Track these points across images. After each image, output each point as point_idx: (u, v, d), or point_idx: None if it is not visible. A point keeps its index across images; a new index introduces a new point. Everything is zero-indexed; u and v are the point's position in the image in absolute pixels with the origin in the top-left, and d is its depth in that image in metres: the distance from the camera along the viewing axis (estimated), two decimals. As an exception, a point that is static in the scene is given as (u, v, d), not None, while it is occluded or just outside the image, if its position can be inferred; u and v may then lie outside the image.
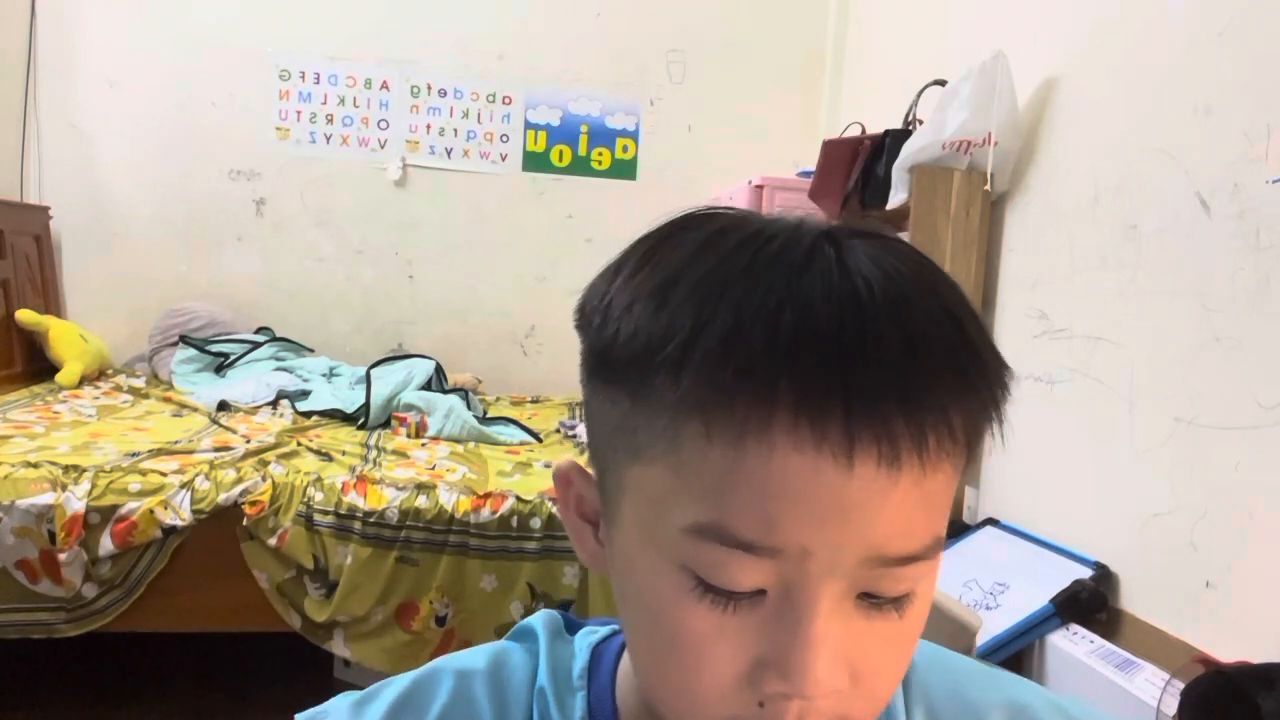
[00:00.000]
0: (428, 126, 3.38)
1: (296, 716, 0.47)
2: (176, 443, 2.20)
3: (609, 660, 0.48)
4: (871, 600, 0.36)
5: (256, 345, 3.05)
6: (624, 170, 3.48)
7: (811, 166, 2.53)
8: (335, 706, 0.48)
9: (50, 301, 3.11)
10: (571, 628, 0.51)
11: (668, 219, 0.40)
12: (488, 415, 2.83)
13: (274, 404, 2.72)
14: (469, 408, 2.75)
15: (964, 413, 0.35)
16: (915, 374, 0.33)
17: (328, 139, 3.33)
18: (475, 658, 0.49)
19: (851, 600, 0.36)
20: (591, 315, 0.39)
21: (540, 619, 0.51)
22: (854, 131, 2.54)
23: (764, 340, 0.33)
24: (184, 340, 3.00)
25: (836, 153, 2.37)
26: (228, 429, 2.42)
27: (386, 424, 2.66)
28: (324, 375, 3.00)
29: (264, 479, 1.95)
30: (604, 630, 0.50)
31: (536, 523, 1.96)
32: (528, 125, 3.43)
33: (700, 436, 0.34)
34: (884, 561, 0.35)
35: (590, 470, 0.43)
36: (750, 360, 0.33)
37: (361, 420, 2.65)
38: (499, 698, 0.47)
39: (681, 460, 0.35)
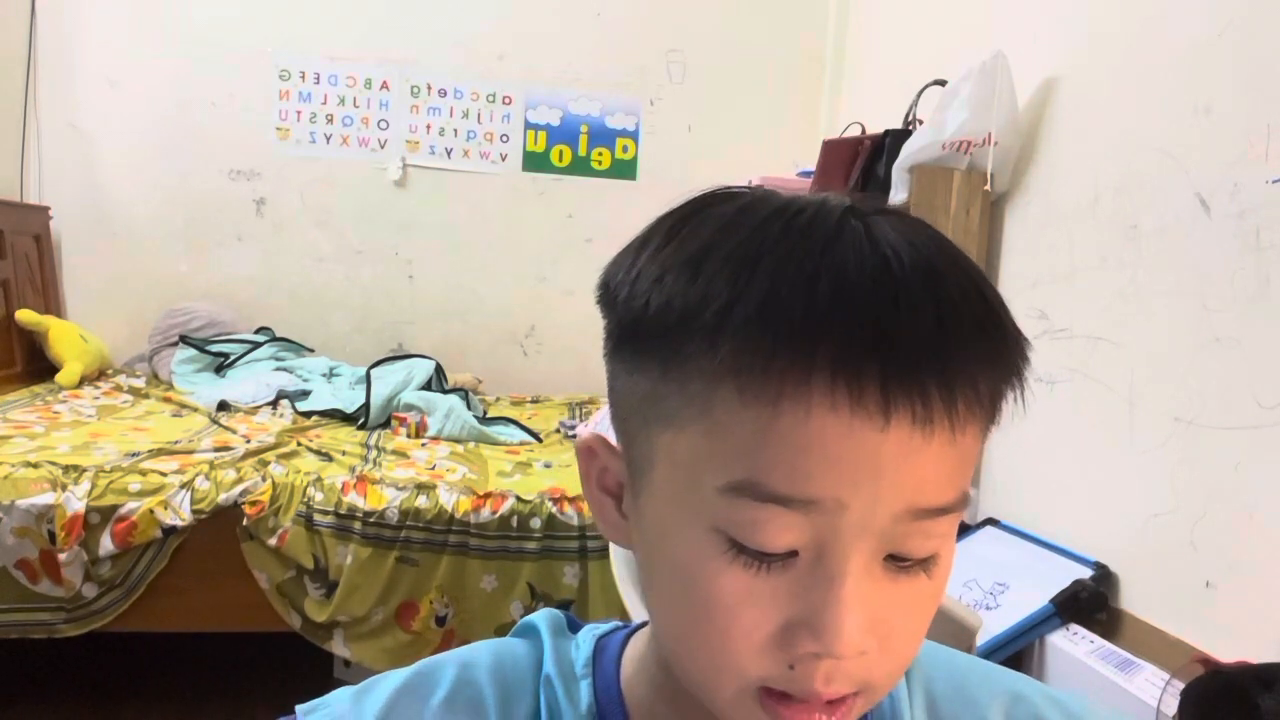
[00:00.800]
0: (428, 126, 3.38)
1: (297, 708, 0.47)
2: (176, 443, 2.20)
3: (613, 651, 0.48)
4: (900, 563, 0.37)
5: (256, 345, 3.05)
6: (624, 170, 3.48)
7: (811, 166, 2.53)
8: (337, 697, 0.48)
9: (50, 301, 3.11)
10: (573, 627, 0.51)
11: (687, 198, 0.41)
12: (488, 415, 2.83)
13: (274, 404, 2.72)
14: (469, 408, 2.75)
15: (990, 377, 0.36)
16: (946, 339, 0.34)
17: (328, 139, 3.33)
18: (478, 650, 0.49)
19: (880, 563, 0.37)
20: (617, 289, 0.40)
21: (542, 616, 0.51)
22: (854, 131, 2.54)
23: (802, 306, 0.34)
24: (184, 340, 3.00)
25: (836, 153, 2.37)
26: (228, 429, 2.42)
27: (386, 424, 2.66)
28: (324, 375, 3.00)
29: (264, 479, 1.95)
30: (606, 626, 0.50)
31: (536, 523, 1.96)
32: (528, 125, 3.43)
33: (734, 399, 0.35)
34: (916, 515, 0.36)
35: (614, 443, 0.44)
36: (789, 326, 0.34)
37: (361, 420, 2.65)
38: (503, 686, 0.47)
39: (715, 423, 0.36)
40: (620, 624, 0.51)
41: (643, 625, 0.48)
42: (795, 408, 0.34)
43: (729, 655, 0.37)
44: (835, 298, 0.34)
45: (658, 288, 0.37)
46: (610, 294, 0.41)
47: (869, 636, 0.36)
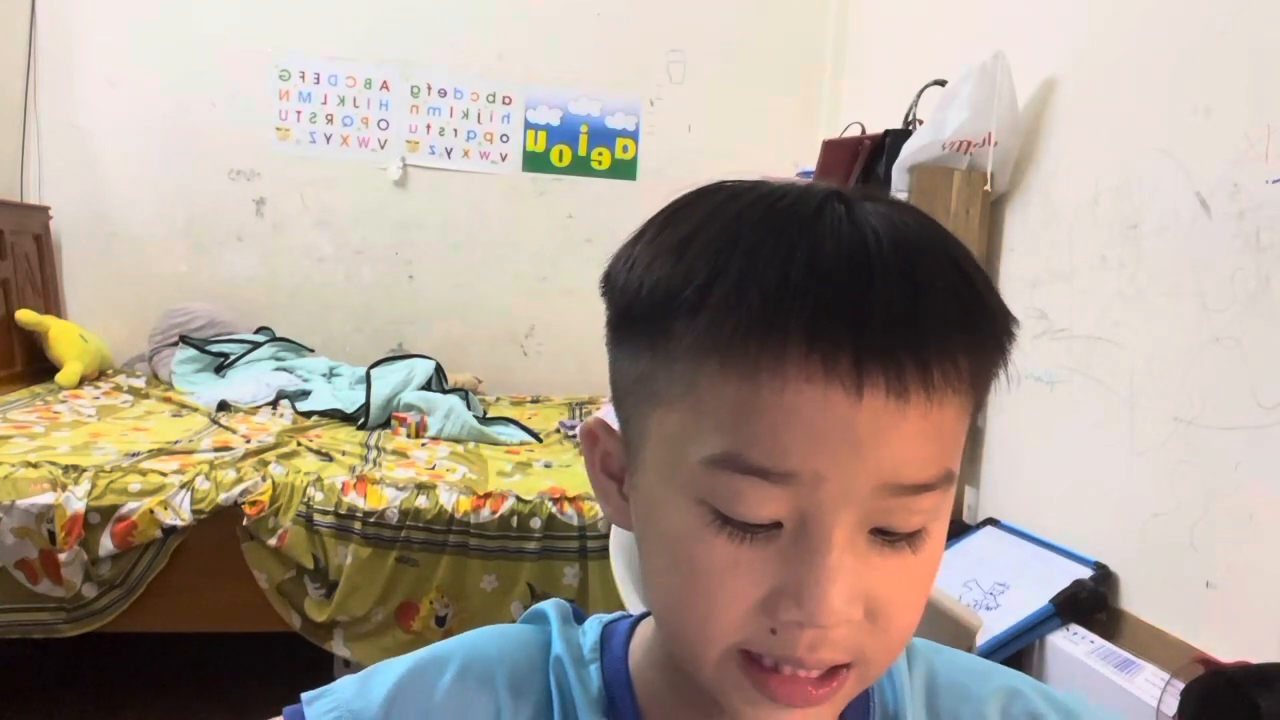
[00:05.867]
0: (428, 126, 3.38)
1: (303, 695, 0.47)
2: (176, 443, 2.20)
3: (620, 637, 0.49)
4: (885, 536, 0.37)
5: (256, 345, 3.05)
6: (624, 170, 3.48)
7: (811, 166, 2.53)
8: (341, 684, 0.48)
9: (50, 301, 3.11)
10: (578, 619, 0.52)
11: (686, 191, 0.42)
12: (488, 415, 2.83)
13: (274, 404, 2.72)
14: (469, 408, 2.75)
15: (969, 352, 0.37)
16: (921, 312, 0.35)
17: (328, 139, 3.33)
18: (486, 634, 0.50)
19: (865, 536, 0.37)
20: (615, 278, 0.42)
21: (551, 604, 0.51)
22: (854, 131, 2.54)
23: (776, 281, 0.35)
24: (184, 340, 3.00)
25: (836, 153, 2.37)
26: (228, 429, 2.42)
27: (386, 424, 2.66)
28: (324, 375, 3.00)
29: (264, 479, 1.95)
30: (611, 616, 0.51)
31: (536, 523, 1.96)
32: (528, 125, 3.43)
33: (716, 374, 0.36)
34: (897, 490, 0.36)
35: (615, 427, 0.45)
36: (763, 299, 0.35)
37: (361, 420, 2.65)
38: (513, 668, 0.47)
39: (699, 398, 0.37)
40: (625, 614, 0.51)
41: (648, 615, 0.49)
42: (772, 380, 0.35)
43: (714, 622, 0.38)
44: (809, 271, 0.35)
45: (648, 273, 0.38)
46: (610, 284, 0.42)
47: (853, 606, 0.36)
